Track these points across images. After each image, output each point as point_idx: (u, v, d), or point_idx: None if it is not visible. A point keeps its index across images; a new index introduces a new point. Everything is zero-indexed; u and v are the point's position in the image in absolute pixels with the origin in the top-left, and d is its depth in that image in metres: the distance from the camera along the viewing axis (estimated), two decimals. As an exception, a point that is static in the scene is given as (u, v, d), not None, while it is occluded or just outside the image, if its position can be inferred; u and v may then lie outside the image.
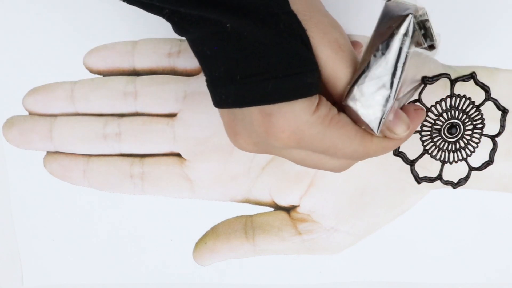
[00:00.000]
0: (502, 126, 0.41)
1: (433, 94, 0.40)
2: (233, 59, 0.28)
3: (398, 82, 0.29)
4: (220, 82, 0.29)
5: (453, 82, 0.41)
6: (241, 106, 0.29)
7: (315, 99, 0.29)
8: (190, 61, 0.41)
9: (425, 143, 0.41)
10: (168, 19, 0.30)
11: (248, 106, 0.29)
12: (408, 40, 0.28)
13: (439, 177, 0.42)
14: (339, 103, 0.31)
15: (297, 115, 0.29)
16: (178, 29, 0.30)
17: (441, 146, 0.41)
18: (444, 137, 0.41)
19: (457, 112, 0.41)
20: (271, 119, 0.29)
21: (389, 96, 0.29)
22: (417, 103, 0.39)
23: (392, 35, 0.28)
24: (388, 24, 0.28)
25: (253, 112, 0.29)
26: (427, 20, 0.28)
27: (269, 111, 0.29)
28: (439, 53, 0.30)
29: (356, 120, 0.31)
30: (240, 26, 0.27)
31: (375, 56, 0.29)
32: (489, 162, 0.42)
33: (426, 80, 0.40)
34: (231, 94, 0.29)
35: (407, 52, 0.28)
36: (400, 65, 0.29)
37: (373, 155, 0.32)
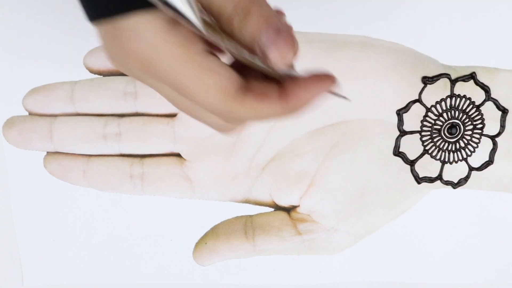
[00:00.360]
0: (502, 126, 0.41)
1: (433, 94, 0.40)
2: None
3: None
4: None
5: (453, 82, 0.41)
6: (91, 20, 0.28)
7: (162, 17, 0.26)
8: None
9: (425, 143, 0.41)
10: None
11: (96, 20, 0.27)
12: None
13: (439, 177, 0.42)
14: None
15: (138, 30, 0.26)
16: None
17: (441, 146, 0.41)
18: (444, 137, 0.41)
19: (457, 112, 0.41)
20: (117, 33, 0.27)
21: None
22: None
23: None
24: None
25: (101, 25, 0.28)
26: None
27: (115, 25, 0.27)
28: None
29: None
30: None
31: None
32: (489, 162, 0.42)
33: (426, 80, 0.40)
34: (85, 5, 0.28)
35: None
36: None
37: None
